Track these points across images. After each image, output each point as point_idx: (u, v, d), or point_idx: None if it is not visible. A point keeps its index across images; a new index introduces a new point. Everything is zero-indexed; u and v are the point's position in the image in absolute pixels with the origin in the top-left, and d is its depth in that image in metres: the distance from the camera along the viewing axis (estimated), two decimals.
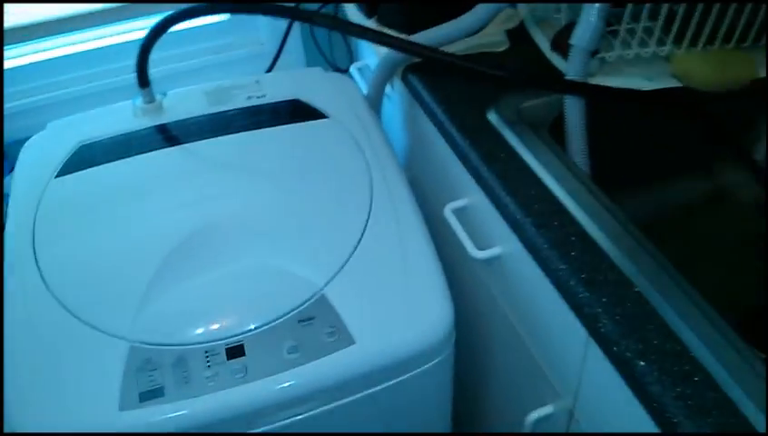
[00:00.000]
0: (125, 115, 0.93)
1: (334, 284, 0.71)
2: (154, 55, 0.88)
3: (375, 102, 0.97)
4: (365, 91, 0.99)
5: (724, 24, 0.79)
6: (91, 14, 1.11)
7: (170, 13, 0.85)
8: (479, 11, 0.79)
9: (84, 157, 0.87)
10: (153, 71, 0.90)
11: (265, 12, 0.83)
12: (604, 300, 0.59)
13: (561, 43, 0.81)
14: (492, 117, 0.79)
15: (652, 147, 0.90)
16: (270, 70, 1.21)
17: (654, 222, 0.91)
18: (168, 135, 0.89)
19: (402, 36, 0.84)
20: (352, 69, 1.13)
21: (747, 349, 0.55)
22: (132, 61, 0.88)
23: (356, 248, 0.74)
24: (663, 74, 0.81)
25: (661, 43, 0.81)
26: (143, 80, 0.89)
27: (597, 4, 0.73)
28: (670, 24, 0.78)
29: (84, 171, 0.85)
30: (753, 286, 0.83)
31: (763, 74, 0.81)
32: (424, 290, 0.73)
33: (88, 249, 0.76)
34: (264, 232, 0.76)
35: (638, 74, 0.81)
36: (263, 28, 1.24)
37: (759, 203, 0.92)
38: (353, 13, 0.99)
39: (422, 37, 0.84)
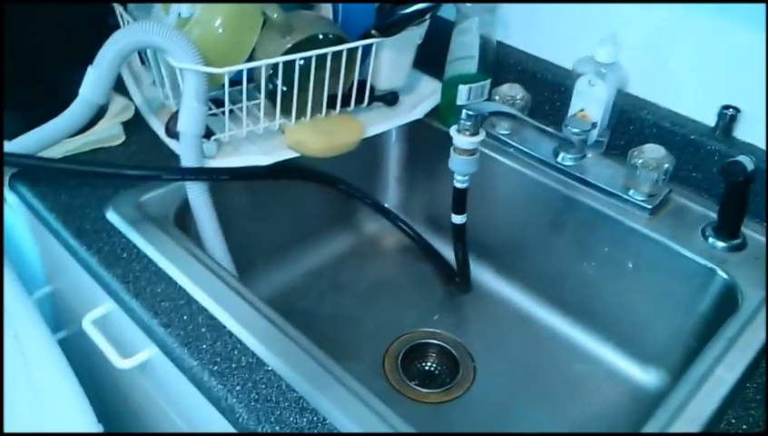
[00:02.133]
0: None
1: None
2: None
3: None
4: None
5: (325, 92, 0.85)
6: None
7: None
8: (75, 108, 0.74)
9: None
10: None
11: None
12: (237, 388, 0.57)
13: (173, 129, 0.80)
14: (112, 217, 0.74)
15: (292, 216, 0.93)
16: None
17: (305, 284, 0.95)
18: None
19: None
20: None
21: (385, 407, 0.57)
22: None
23: None
24: (280, 147, 0.84)
25: (271, 118, 0.84)
26: None
27: (195, 88, 0.73)
28: (275, 99, 0.82)
29: None
30: (405, 320, 0.90)
31: (368, 133, 0.89)
32: (61, 417, 0.64)
33: None
34: None
35: (257, 150, 0.83)
36: None
37: (400, 245, 1.01)
38: None
39: (20, 143, 0.76)
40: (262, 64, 0.77)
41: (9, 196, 0.86)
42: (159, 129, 0.86)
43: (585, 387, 0.84)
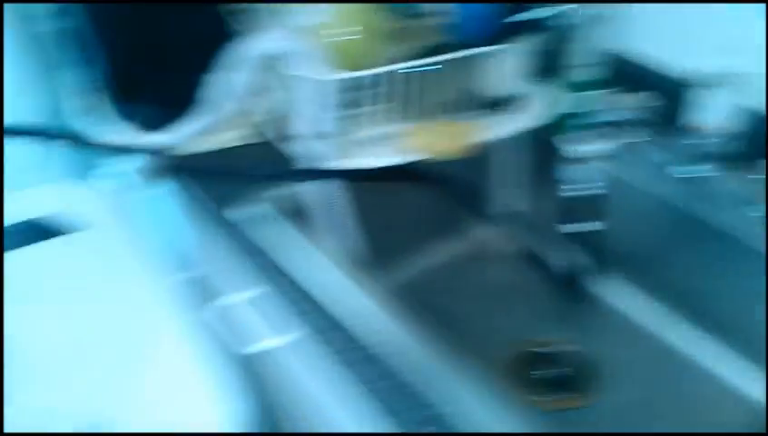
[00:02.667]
0: None
1: (99, 404, 0.66)
2: None
3: (133, 206, 0.94)
4: (122, 196, 0.96)
5: (442, 98, 0.87)
6: None
7: None
8: (214, 109, 0.80)
9: None
10: None
11: None
12: (364, 378, 0.60)
13: (295, 132, 0.85)
14: (245, 211, 0.79)
15: (405, 218, 0.96)
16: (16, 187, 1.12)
17: (417, 286, 0.96)
18: None
19: (148, 139, 0.83)
20: (107, 174, 1.09)
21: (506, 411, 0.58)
22: None
23: (121, 365, 0.70)
24: (395, 151, 0.87)
25: (389, 121, 0.87)
26: None
27: (318, 93, 0.77)
28: (393, 104, 0.85)
29: None
30: (518, 327, 0.90)
31: (484, 139, 0.90)
32: (195, 395, 0.70)
33: None
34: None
35: (372, 152, 0.86)
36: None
37: (512, 252, 1.02)
38: (104, 120, 0.96)
39: (167, 137, 0.83)
40: (384, 70, 0.80)
41: (156, 186, 0.94)
42: (281, 132, 0.91)
43: (709, 406, 0.81)
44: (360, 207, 0.90)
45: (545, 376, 0.86)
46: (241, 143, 0.91)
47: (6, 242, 0.85)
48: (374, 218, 0.93)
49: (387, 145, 0.88)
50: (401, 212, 0.95)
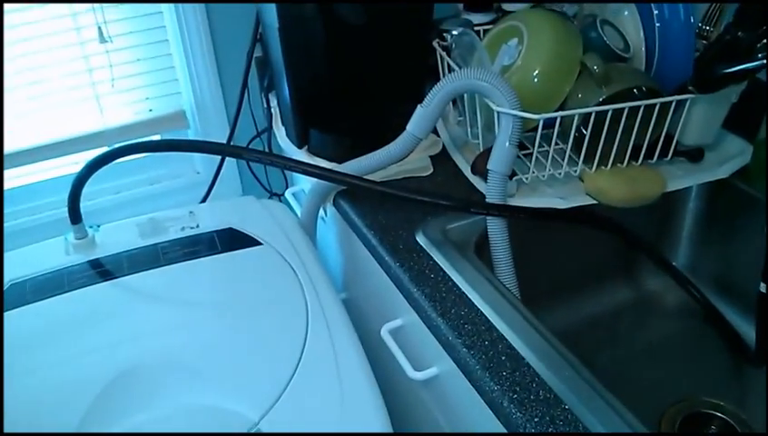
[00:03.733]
0: (57, 252, 0.92)
1: (270, 418, 0.70)
2: (87, 188, 0.89)
3: (309, 226, 1.00)
4: (300, 215, 1.02)
5: (630, 143, 0.85)
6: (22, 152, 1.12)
7: (106, 150, 0.87)
8: (404, 140, 0.83)
9: (15, 296, 0.86)
10: (87, 203, 0.91)
11: (199, 150, 0.86)
12: (536, 420, 0.60)
13: (480, 166, 0.86)
14: (421, 239, 0.82)
15: (575, 261, 0.95)
16: (205, 199, 1.22)
17: (582, 331, 0.95)
18: (100, 270, 0.88)
19: (329, 166, 0.88)
20: (287, 194, 1.16)
21: None
22: (64, 196, 0.89)
23: (291, 378, 0.73)
24: (577, 193, 0.86)
25: (573, 163, 0.87)
26: (75, 216, 0.90)
27: (510, 131, 0.78)
28: (580, 146, 0.84)
29: (13, 310, 0.83)
30: (684, 385, 0.86)
31: (671, 187, 0.87)
32: (362, 418, 0.72)
33: (15, 392, 0.73)
34: (198, 366, 0.75)
35: (554, 193, 0.86)
36: (199, 158, 1.26)
37: (682, 306, 0.97)
38: (286, 144, 1.03)
39: (349, 166, 0.87)
40: (576, 112, 0.80)
41: (329, 209, 0.99)
42: (462, 165, 0.93)
43: None
44: (531, 244, 0.90)
45: None
46: (422, 174, 0.95)
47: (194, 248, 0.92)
48: (544, 256, 0.92)
49: (571, 187, 0.87)
50: (571, 253, 0.93)
